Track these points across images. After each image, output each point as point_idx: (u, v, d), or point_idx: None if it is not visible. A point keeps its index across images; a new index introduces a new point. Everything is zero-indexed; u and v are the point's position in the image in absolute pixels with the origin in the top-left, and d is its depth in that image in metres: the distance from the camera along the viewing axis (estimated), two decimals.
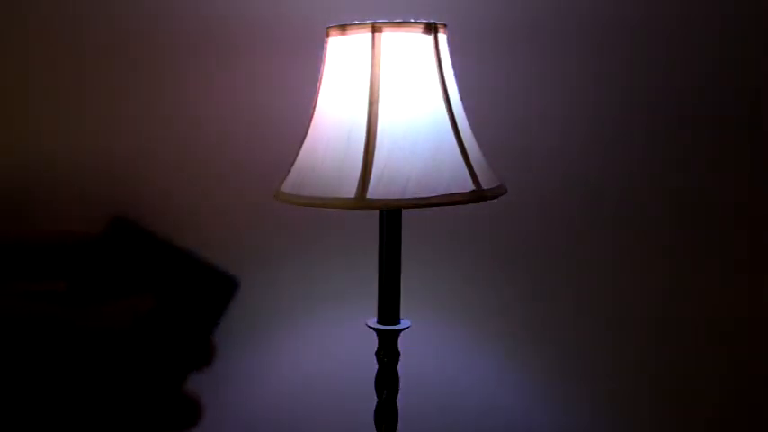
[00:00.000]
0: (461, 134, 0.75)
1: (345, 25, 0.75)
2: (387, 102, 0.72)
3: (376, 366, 0.83)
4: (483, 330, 1.08)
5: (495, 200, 0.76)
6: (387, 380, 0.83)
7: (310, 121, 0.78)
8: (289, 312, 1.07)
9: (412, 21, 0.74)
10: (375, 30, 0.73)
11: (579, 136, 1.03)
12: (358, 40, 0.74)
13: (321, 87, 0.78)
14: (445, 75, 0.76)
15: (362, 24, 0.73)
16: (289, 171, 0.79)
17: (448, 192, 0.71)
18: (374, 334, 0.83)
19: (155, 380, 0.35)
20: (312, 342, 1.07)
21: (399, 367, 0.83)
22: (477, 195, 0.73)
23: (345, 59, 0.75)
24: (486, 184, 0.75)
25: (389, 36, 0.73)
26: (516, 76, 1.02)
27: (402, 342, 0.83)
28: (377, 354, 0.83)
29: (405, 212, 0.82)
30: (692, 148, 1.03)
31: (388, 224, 0.80)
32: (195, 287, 0.37)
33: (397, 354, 0.83)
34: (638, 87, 1.02)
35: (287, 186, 0.77)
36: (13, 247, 0.37)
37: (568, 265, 1.06)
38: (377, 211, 0.81)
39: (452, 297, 1.07)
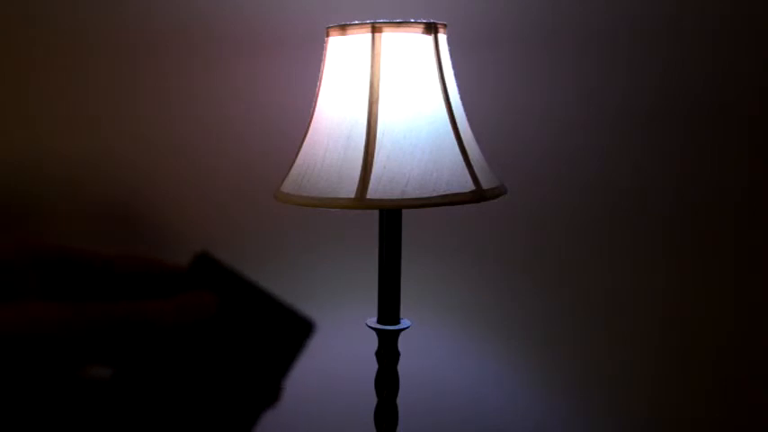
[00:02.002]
0: (461, 134, 0.75)
1: (345, 25, 0.75)
2: (387, 102, 0.72)
3: (376, 366, 0.83)
4: (483, 330, 1.08)
5: (495, 200, 0.76)
6: (387, 380, 0.83)
7: (310, 121, 0.78)
8: None
9: (412, 21, 0.74)
10: (375, 30, 0.73)
11: (579, 136, 1.03)
12: (358, 40, 0.74)
13: (321, 87, 0.78)
14: (445, 75, 0.76)
15: (362, 24, 0.73)
16: (289, 171, 0.79)
17: (448, 192, 0.71)
18: (374, 334, 0.83)
19: (222, 416, 0.34)
20: (312, 342, 1.07)
21: (399, 367, 0.83)
22: (478, 195, 0.73)
23: (345, 59, 0.75)
24: (486, 184, 0.75)
25: (389, 36, 0.73)
26: (516, 76, 1.02)
27: (402, 342, 0.83)
28: (377, 354, 0.83)
29: (405, 212, 0.82)
30: (691, 148, 1.03)
31: (388, 224, 0.80)
32: (272, 327, 0.36)
33: (397, 354, 0.83)
34: (638, 87, 1.02)
35: (287, 186, 0.77)
36: (93, 268, 0.36)
37: (568, 265, 1.06)
38: (377, 211, 0.81)
39: (452, 297, 1.07)
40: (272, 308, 0.37)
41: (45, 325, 0.29)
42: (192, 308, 0.34)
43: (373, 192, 0.70)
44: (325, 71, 0.78)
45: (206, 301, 0.35)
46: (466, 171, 0.73)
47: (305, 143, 0.78)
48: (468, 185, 0.73)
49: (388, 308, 0.82)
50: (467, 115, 0.79)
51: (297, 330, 0.37)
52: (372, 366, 0.84)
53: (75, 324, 0.30)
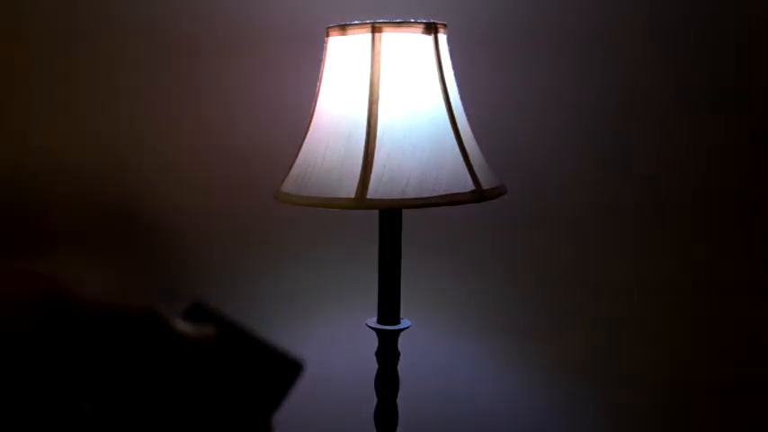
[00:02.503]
0: (461, 134, 0.75)
1: (345, 25, 0.75)
2: (387, 102, 0.72)
3: (376, 366, 0.83)
4: (483, 330, 1.08)
5: (495, 200, 0.76)
6: (387, 380, 0.83)
7: (310, 120, 0.79)
8: (289, 312, 1.07)
9: (412, 21, 0.74)
10: (375, 30, 0.73)
11: (579, 136, 1.03)
12: (358, 40, 0.74)
13: (321, 87, 0.78)
14: (445, 75, 0.76)
15: (362, 24, 0.74)
16: (289, 171, 0.79)
17: (448, 192, 0.71)
18: (374, 334, 0.83)
19: None
20: (312, 342, 1.07)
21: (399, 367, 0.83)
22: (478, 195, 0.73)
23: (345, 59, 0.75)
24: (486, 184, 0.75)
25: (389, 36, 0.73)
26: (516, 76, 1.02)
27: (402, 342, 0.83)
28: (377, 354, 0.83)
29: (405, 212, 0.82)
30: (691, 147, 1.03)
31: (388, 224, 0.80)
32: (263, 369, 0.38)
33: (397, 354, 0.83)
34: (638, 87, 1.02)
35: (287, 186, 0.77)
36: (92, 315, 0.36)
37: (568, 265, 1.06)
38: (377, 211, 0.81)
39: (452, 297, 1.07)
40: (262, 351, 0.38)
41: (69, 296, 0.30)
42: (195, 333, 0.35)
43: (373, 192, 0.70)
44: (325, 71, 0.78)
45: (206, 332, 0.36)
46: (466, 171, 0.73)
47: (305, 143, 0.78)
48: (468, 185, 0.73)
49: (388, 308, 0.82)
50: (467, 115, 0.79)
51: (286, 371, 0.38)
52: (372, 366, 0.84)
53: (93, 303, 0.30)
